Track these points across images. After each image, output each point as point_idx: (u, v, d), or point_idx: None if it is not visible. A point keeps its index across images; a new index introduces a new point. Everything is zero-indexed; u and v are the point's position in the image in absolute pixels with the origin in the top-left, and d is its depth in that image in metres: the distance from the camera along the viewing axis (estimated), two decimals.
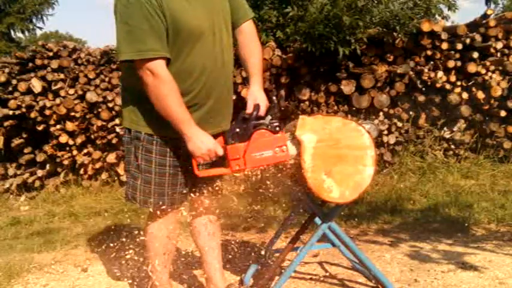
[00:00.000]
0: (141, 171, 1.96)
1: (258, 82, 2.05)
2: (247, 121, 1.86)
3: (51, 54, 4.72)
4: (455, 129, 4.80)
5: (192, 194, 2.10)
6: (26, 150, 4.72)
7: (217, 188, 2.10)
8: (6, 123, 4.60)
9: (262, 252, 2.59)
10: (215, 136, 1.91)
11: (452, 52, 4.61)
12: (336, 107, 4.66)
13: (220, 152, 1.85)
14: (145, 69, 1.77)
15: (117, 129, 4.57)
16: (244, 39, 2.08)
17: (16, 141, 4.66)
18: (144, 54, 1.76)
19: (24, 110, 4.51)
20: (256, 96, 2.00)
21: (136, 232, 2.71)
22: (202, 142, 1.82)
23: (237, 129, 1.85)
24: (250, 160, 1.82)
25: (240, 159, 1.82)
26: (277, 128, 1.85)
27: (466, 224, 3.36)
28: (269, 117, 1.90)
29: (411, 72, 4.62)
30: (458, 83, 4.65)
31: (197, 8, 1.85)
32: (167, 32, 1.79)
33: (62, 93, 4.58)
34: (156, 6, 1.74)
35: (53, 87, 4.58)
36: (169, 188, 1.97)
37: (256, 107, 1.91)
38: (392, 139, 4.69)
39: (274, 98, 2.00)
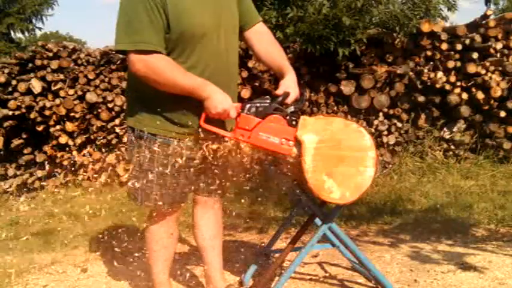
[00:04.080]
0: (143, 171, 1.96)
1: (292, 72, 2.03)
2: (271, 102, 1.86)
3: (50, 54, 4.72)
4: (455, 129, 4.80)
5: (194, 194, 2.10)
6: (25, 151, 4.71)
7: (220, 188, 2.10)
8: (6, 124, 4.60)
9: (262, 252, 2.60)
10: None
11: (452, 53, 4.62)
12: (335, 108, 4.67)
13: (233, 115, 1.83)
14: (138, 61, 1.77)
15: (117, 129, 4.57)
16: (260, 37, 2.07)
17: (16, 142, 4.65)
18: (139, 46, 1.76)
19: (23, 110, 4.51)
20: (289, 84, 1.98)
21: (136, 232, 2.72)
22: (219, 101, 1.80)
23: (258, 104, 1.84)
24: (256, 137, 1.81)
25: (247, 131, 1.81)
26: (294, 122, 1.84)
27: (466, 225, 3.36)
28: (292, 108, 1.89)
29: (411, 73, 4.62)
30: (458, 84, 4.66)
31: (203, 8, 1.84)
32: (170, 29, 1.79)
33: (62, 93, 4.58)
34: (158, 2, 1.74)
35: (53, 88, 4.57)
36: (170, 188, 1.97)
37: (286, 93, 1.90)
38: (392, 139, 4.70)
39: (305, 94, 1.99)
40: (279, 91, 1.94)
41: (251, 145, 1.83)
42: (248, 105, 1.84)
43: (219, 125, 1.89)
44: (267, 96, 1.90)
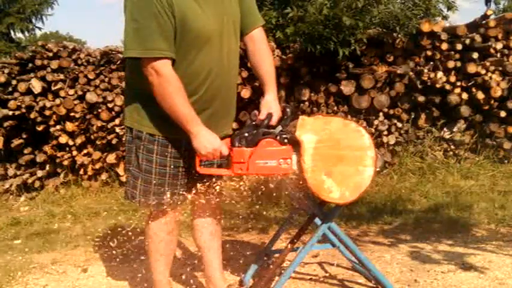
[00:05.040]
0: (141, 171, 1.96)
1: (273, 91, 2.05)
2: (258, 127, 1.87)
3: (51, 54, 4.72)
4: (455, 129, 4.80)
5: (193, 195, 2.10)
6: (25, 151, 4.71)
7: (218, 189, 2.10)
8: (6, 124, 4.59)
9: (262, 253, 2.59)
10: (221, 138, 1.91)
11: (452, 52, 4.62)
12: (335, 108, 4.66)
13: (225, 152, 1.85)
14: (150, 68, 1.78)
15: (117, 129, 4.57)
16: (255, 47, 2.07)
17: (16, 142, 4.65)
18: (150, 53, 1.76)
19: (24, 110, 4.51)
20: (270, 105, 2.00)
21: (136, 232, 2.72)
22: (208, 141, 1.83)
23: (246, 134, 1.85)
24: (254, 166, 1.82)
25: (243, 164, 1.82)
26: (286, 140, 1.85)
27: (466, 225, 3.36)
28: (280, 127, 1.91)
29: (411, 73, 4.62)
30: (458, 84, 4.66)
31: (207, 11, 1.84)
32: (176, 33, 1.79)
33: (62, 93, 4.57)
34: (165, 6, 1.74)
35: (53, 88, 4.57)
36: (169, 188, 1.97)
37: (269, 115, 1.91)
38: (392, 139, 4.69)
39: (288, 110, 1.99)
40: (262, 114, 1.95)
41: (252, 175, 1.85)
42: (237, 138, 1.85)
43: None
44: (252, 123, 1.91)
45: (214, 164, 2.01)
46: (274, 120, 1.93)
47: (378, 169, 4.55)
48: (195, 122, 1.82)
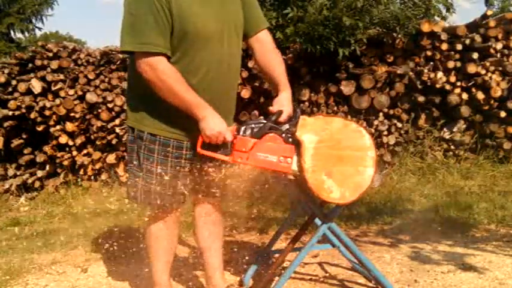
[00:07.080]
0: (142, 171, 1.96)
1: (286, 90, 2.05)
2: (265, 121, 1.87)
3: (51, 54, 4.72)
4: (455, 129, 4.80)
5: (193, 195, 2.10)
6: (25, 151, 4.71)
7: (219, 189, 2.10)
8: (6, 124, 4.60)
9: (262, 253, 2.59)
10: None
11: (452, 53, 4.62)
12: (335, 108, 4.66)
13: (229, 138, 1.85)
14: (145, 63, 1.78)
15: (117, 129, 4.57)
16: (263, 48, 2.07)
17: (16, 142, 4.65)
18: (145, 47, 1.76)
19: (24, 110, 4.51)
20: (283, 103, 2.00)
21: (136, 232, 2.72)
22: (215, 123, 1.83)
23: (253, 125, 1.86)
24: (254, 158, 1.82)
25: (244, 153, 1.82)
26: (290, 140, 1.86)
27: (466, 225, 3.36)
28: (287, 126, 1.91)
29: (411, 73, 4.62)
30: (458, 84, 4.66)
31: (208, 12, 1.84)
32: (173, 31, 1.79)
33: (62, 93, 4.58)
34: (164, 3, 1.75)
35: (53, 88, 4.57)
36: (170, 188, 1.97)
37: (279, 112, 1.92)
38: (392, 140, 4.70)
39: (298, 110, 2.00)
40: (273, 109, 1.95)
41: (250, 166, 1.85)
42: (243, 127, 1.86)
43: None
44: (261, 117, 1.92)
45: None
46: (283, 118, 1.93)
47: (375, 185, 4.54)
48: (203, 106, 1.82)
